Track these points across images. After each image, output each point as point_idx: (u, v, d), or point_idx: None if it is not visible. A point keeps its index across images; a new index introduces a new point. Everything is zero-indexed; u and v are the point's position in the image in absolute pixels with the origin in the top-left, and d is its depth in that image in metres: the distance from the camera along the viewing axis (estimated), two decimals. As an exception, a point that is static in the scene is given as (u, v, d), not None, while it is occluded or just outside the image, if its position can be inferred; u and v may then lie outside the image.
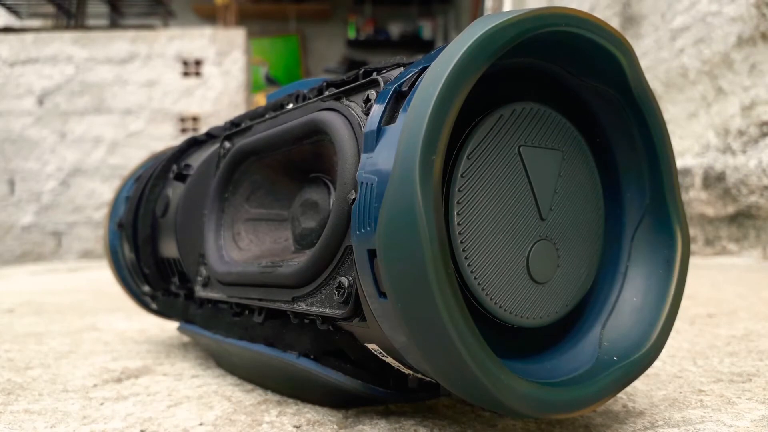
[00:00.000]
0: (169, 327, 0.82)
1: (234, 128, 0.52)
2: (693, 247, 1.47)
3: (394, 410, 0.39)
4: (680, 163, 1.53)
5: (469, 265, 0.30)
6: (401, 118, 0.30)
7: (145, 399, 0.45)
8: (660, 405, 0.39)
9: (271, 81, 4.93)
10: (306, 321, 0.39)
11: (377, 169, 0.30)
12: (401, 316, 0.28)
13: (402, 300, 0.28)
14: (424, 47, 4.91)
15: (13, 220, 2.91)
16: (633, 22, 1.83)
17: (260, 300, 0.42)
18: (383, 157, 0.30)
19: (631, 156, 0.36)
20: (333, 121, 0.37)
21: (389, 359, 0.34)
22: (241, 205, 0.48)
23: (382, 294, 0.29)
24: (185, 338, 0.72)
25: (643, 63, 1.70)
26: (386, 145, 0.30)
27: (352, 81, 0.39)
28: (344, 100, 0.38)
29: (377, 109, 0.32)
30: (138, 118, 2.95)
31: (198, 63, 2.98)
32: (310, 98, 0.43)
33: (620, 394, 0.42)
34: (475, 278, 0.30)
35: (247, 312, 0.45)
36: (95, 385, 0.50)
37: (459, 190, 0.30)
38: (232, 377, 0.51)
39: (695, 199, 1.47)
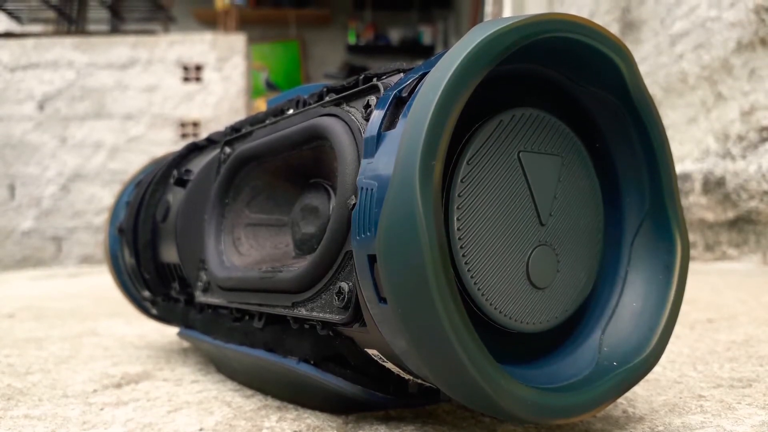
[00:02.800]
0: (169, 332, 0.82)
1: (234, 133, 0.52)
2: (693, 252, 1.47)
3: (394, 416, 0.39)
4: (680, 168, 1.53)
5: (469, 270, 0.30)
6: (401, 123, 0.30)
7: (145, 404, 0.45)
8: (660, 410, 0.39)
9: (271, 86, 4.94)
10: (306, 326, 0.39)
11: (377, 174, 0.30)
12: (401, 322, 0.28)
13: (402, 305, 0.28)
14: (424, 53, 4.92)
15: (14, 225, 2.90)
16: (632, 28, 1.83)
17: (260, 305, 0.42)
18: (383, 163, 0.30)
19: (630, 161, 0.36)
20: (333, 126, 0.37)
21: (389, 364, 0.34)
22: (242, 210, 0.48)
23: (382, 299, 0.29)
24: (185, 343, 0.72)
25: (643, 68, 1.70)
26: (386, 151, 0.30)
27: (353, 87, 0.39)
28: (344, 105, 0.39)
29: (377, 115, 0.32)
30: (138, 123, 2.95)
31: (198, 68, 2.99)
32: (310, 104, 0.44)
33: (620, 400, 0.42)
34: (475, 283, 0.31)
35: (247, 317, 0.45)
36: (95, 391, 0.50)
37: (459, 196, 0.31)
38: (232, 383, 0.51)
39: (695, 204, 1.47)
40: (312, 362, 0.39)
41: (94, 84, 2.95)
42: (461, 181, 0.31)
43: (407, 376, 0.35)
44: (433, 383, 0.32)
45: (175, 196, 0.58)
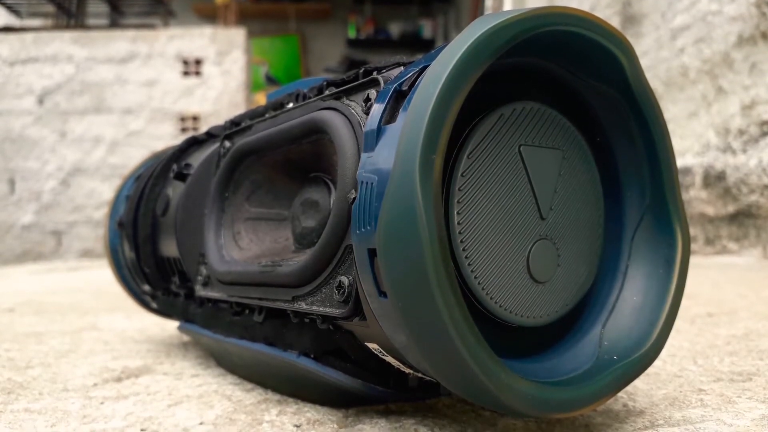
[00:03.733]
0: (169, 326, 0.82)
1: (234, 127, 0.52)
2: (693, 246, 1.47)
3: (395, 409, 0.39)
4: (680, 162, 1.53)
5: (469, 264, 0.30)
6: (401, 117, 0.30)
7: (145, 398, 0.45)
8: (660, 404, 0.39)
9: (271, 80, 4.93)
10: (306, 320, 0.39)
11: (377, 168, 0.30)
12: (401, 316, 0.28)
13: (402, 299, 0.28)
14: (424, 47, 4.91)
15: (14, 220, 2.90)
16: (633, 22, 1.83)
17: (260, 299, 0.42)
18: (383, 157, 0.30)
19: (631, 155, 0.36)
20: (333, 120, 0.37)
21: (389, 358, 0.34)
22: (242, 204, 0.48)
23: (382, 293, 0.29)
24: (185, 337, 0.72)
25: (644, 62, 1.70)
26: (386, 145, 0.30)
27: (352, 80, 0.39)
28: (344, 99, 0.38)
29: (377, 109, 0.32)
30: (138, 118, 2.95)
31: (198, 62, 2.98)
32: (310, 97, 0.43)
33: (620, 394, 0.42)
34: (475, 277, 0.30)
35: (247, 311, 0.45)
36: (95, 385, 0.50)
37: (459, 190, 0.30)
38: (232, 376, 0.51)
39: (695, 198, 1.47)
40: (312, 356, 0.39)
41: (93, 78, 2.94)
42: (462, 175, 0.31)
43: (407, 370, 0.35)
44: (433, 377, 0.32)
45: (175, 190, 0.58)
